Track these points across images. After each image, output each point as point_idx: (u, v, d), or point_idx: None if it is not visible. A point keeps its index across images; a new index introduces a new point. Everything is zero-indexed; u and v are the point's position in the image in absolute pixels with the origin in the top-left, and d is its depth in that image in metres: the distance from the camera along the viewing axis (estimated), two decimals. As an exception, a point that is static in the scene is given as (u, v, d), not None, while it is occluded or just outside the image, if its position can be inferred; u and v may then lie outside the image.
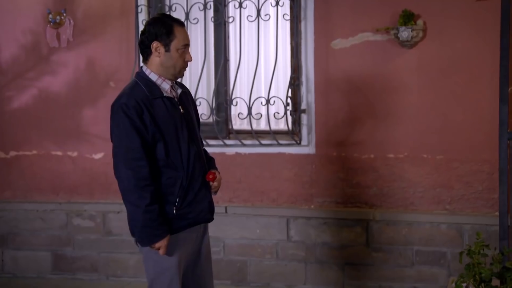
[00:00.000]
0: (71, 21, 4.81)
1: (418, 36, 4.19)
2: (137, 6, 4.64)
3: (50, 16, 4.80)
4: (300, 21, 4.45)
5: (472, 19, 4.14)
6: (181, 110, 2.90)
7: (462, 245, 4.19)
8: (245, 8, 4.50)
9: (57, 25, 4.81)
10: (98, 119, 4.85)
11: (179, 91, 2.96)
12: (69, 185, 4.96)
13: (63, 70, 4.89)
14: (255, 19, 4.47)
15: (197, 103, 4.52)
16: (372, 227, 4.41)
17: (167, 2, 4.65)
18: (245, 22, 4.54)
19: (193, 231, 2.95)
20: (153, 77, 2.87)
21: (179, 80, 3.09)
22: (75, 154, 4.94)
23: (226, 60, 4.66)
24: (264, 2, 4.46)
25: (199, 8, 4.57)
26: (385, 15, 4.27)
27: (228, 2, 4.57)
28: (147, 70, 2.88)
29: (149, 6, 4.69)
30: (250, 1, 4.48)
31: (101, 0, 4.78)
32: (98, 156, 4.90)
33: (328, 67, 4.45)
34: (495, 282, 2.69)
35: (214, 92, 4.60)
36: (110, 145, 4.79)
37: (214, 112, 4.59)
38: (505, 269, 2.54)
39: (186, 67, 2.92)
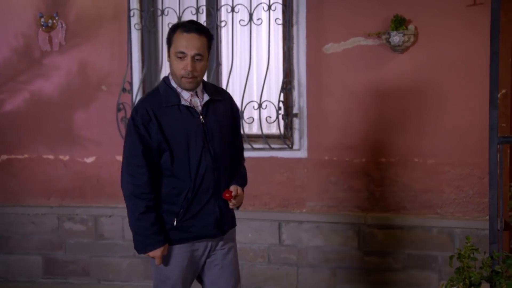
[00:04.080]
0: (63, 24, 4.81)
1: (410, 41, 4.21)
2: (129, 10, 4.64)
3: (42, 19, 4.80)
4: (292, 26, 4.47)
5: (463, 24, 4.16)
6: (201, 120, 2.81)
7: (453, 249, 4.20)
8: (238, 12, 4.51)
9: (49, 28, 4.81)
10: (90, 123, 4.85)
11: (206, 99, 2.85)
12: (60, 189, 4.95)
13: (55, 73, 4.88)
14: (248, 23, 4.49)
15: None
16: (364, 231, 4.42)
17: (160, 6, 4.66)
18: (237, 26, 4.55)
19: (198, 245, 2.88)
20: (174, 84, 2.83)
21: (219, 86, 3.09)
22: (67, 157, 4.93)
23: (219, 64, 4.67)
24: (257, 6, 4.47)
25: (191, 12, 4.58)
26: (376, 20, 4.29)
27: (221, 7, 4.59)
28: (170, 76, 2.85)
29: (141, 10, 4.69)
30: (243, 5, 4.50)
31: (93, 4, 4.78)
32: (90, 159, 4.89)
33: (320, 72, 4.46)
34: (485, 286, 2.70)
35: (206, 96, 4.59)
36: (101, 149, 4.85)
37: (206, 116, 4.58)
38: (494, 273, 2.56)
39: (188, 77, 2.75)
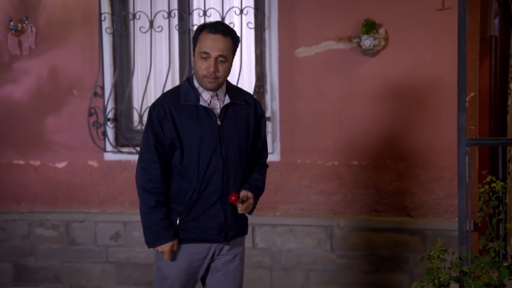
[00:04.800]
0: (33, 28, 4.76)
1: (380, 45, 4.25)
2: (100, 14, 4.61)
3: (11, 23, 4.73)
4: (264, 30, 4.48)
5: (432, 28, 4.22)
6: (218, 122, 2.79)
7: (425, 250, 4.24)
8: (210, 16, 4.51)
9: (19, 32, 4.74)
10: (61, 128, 4.80)
11: (226, 102, 2.82)
12: (31, 194, 4.88)
13: (25, 78, 4.82)
14: (220, 27, 4.48)
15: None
16: (337, 233, 4.45)
17: (131, 10, 4.63)
18: (209, 30, 4.54)
19: (199, 248, 2.84)
20: (196, 83, 2.83)
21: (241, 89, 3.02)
22: (38, 163, 4.87)
23: (191, 68, 4.66)
24: (229, 10, 4.48)
25: (163, 16, 4.56)
26: (347, 24, 4.33)
27: (193, 10, 4.58)
28: (193, 76, 2.85)
29: (112, 13, 4.66)
30: (215, 9, 4.50)
31: (64, 8, 4.73)
32: (61, 165, 4.84)
33: (292, 75, 4.48)
34: (454, 286, 2.74)
35: (178, 100, 4.58)
36: (73, 154, 4.81)
37: (179, 120, 4.57)
38: (463, 273, 2.59)
39: (211, 77, 2.73)
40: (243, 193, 2.82)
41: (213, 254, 2.89)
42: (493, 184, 2.88)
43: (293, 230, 4.52)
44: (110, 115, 4.70)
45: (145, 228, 2.83)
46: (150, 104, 4.57)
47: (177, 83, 4.70)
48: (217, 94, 2.82)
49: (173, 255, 2.83)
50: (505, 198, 4.27)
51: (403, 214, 4.38)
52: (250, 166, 2.95)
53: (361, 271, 4.42)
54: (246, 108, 2.90)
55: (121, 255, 4.75)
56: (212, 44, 2.71)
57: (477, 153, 4.27)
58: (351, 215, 4.44)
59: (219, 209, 2.81)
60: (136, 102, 4.72)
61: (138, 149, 4.60)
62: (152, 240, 2.81)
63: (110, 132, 4.72)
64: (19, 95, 4.85)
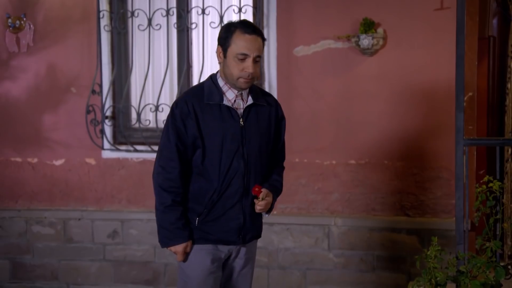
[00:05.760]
0: (31, 25, 4.75)
1: (379, 44, 4.25)
2: (98, 11, 4.61)
3: (9, 20, 4.73)
4: (262, 28, 4.47)
5: (431, 27, 4.22)
6: (241, 123, 2.74)
7: (422, 250, 4.24)
8: (208, 14, 4.51)
9: (17, 29, 4.74)
10: (59, 125, 4.80)
11: (249, 102, 2.77)
12: (28, 192, 4.88)
13: (23, 75, 4.82)
14: (218, 25, 4.48)
15: (160, 109, 4.54)
16: (334, 232, 4.45)
17: (130, 8, 4.63)
18: (208, 28, 4.54)
19: (218, 249, 2.80)
20: (220, 82, 2.77)
21: (262, 89, 2.95)
22: (35, 160, 4.86)
23: (189, 66, 4.66)
24: (227, 9, 4.47)
25: (161, 14, 4.56)
26: (346, 23, 4.32)
27: (191, 8, 4.57)
28: (218, 74, 2.80)
29: (111, 11, 4.66)
30: (213, 7, 4.49)
31: (62, 5, 4.72)
32: (58, 162, 4.83)
33: (290, 74, 4.48)
34: (451, 286, 2.74)
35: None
36: (71, 152, 4.80)
37: (177, 118, 4.57)
38: (459, 273, 2.60)
39: (247, 78, 2.69)
40: (263, 191, 2.77)
41: (229, 256, 2.85)
42: (491, 184, 2.88)
43: (290, 229, 4.52)
44: (108, 113, 4.70)
45: (159, 227, 2.76)
46: (148, 102, 4.65)
47: (175, 81, 4.70)
48: (241, 94, 2.77)
49: (195, 256, 2.77)
50: (502, 198, 4.29)
51: (400, 213, 4.38)
52: (270, 168, 2.91)
53: (358, 270, 4.42)
54: (268, 109, 2.85)
55: (118, 253, 4.75)
56: (251, 45, 2.65)
57: (475, 153, 4.28)
58: (348, 214, 4.45)
59: (239, 211, 2.77)
60: (134, 100, 4.72)
61: (136, 147, 4.64)
62: (166, 239, 2.75)
63: (108, 130, 4.71)
64: (17, 92, 4.85)
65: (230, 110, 2.73)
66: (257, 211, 2.80)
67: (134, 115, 4.69)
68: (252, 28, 2.69)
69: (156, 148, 4.59)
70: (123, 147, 4.72)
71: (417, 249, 4.29)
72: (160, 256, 4.68)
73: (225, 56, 2.70)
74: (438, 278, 2.59)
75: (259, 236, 2.95)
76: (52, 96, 4.81)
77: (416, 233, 4.33)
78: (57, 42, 4.76)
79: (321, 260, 4.47)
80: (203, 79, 4.52)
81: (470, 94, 4.22)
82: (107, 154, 4.75)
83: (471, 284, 2.52)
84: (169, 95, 4.71)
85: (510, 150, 4.65)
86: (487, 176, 2.94)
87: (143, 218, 4.69)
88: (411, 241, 4.35)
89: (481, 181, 2.97)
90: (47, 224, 4.85)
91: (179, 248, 2.73)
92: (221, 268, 2.85)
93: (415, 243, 4.33)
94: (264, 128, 2.82)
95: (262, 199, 2.76)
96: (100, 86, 4.67)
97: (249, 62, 2.66)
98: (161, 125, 4.55)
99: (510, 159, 4.67)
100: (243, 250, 2.87)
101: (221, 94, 2.74)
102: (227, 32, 2.69)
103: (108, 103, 4.68)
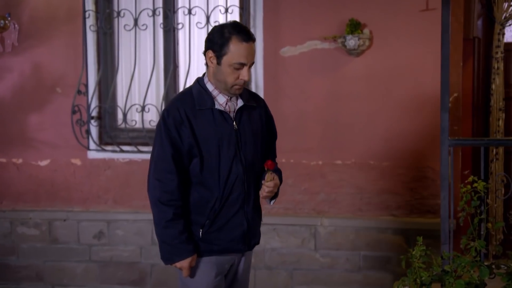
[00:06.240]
0: (16, 25, 4.71)
1: (365, 45, 4.27)
2: (84, 11, 4.58)
3: (-6, 20, 4.70)
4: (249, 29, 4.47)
5: (416, 28, 4.24)
6: (235, 126, 2.66)
7: (408, 250, 4.26)
8: (194, 15, 4.50)
9: (1, 29, 4.69)
10: (44, 125, 4.77)
11: (240, 104, 2.68)
12: (13, 193, 4.84)
13: (7, 75, 4.78)
14: (205, 26, 4.47)
15: (146, 109, 4.53)
16: (320, 232, 4.46)
17: (116, 8, 4.61)
18: (194, 29, 4.54)
19: (223, 260, 2.70)
20: (210, 87, 2.66)
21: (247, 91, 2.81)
22: (20, 161, 4.83)
23: (175, 67, 4.65)
24: (214, 9, 4.47)
25: (148, 14, 4.55)
26: (332, 24, 4.34)
27: (177, 9, 4.56)
28: (205, 78, 2.69)
29: (97, 11, 4.63)
30: (200, 8, 4.49)
31: (48, 5, 4.69)
32: (44, 163, 4.80)
33: (277, 74, 4.49)
34: (436, 285, 2.75)
35: (163, 98, 4.57)
36: (56, 152, 4.77)
37: (163, 118, 4.56)
38: (444, 272, 2.61)
39: (241, 85, 2.62)
40: (272, 175, 2.67)
41: (232, 265, 2.76)
42: (475, 184, 2.90)
43: (277, 229, 4.52)
44: (94, 113, 4.68)
45: (161, 243, 2.62)
46: (134, 102, 4.63)
47: (161, 81, 4.69)
48: (230, 97, 2.68)
49: (199, 270, 2.67)
50: (487, 198, 4.33)
51: (386, 213, 4.40)
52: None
53: (344, 270, 4.43)
54: (258, 111, 2.79)
55: (104, 254, 4.73)
56: (248, 54, 2.56)
57: (460, 154, 4.30)
58: (334, 215, 4.46)
59: (242, 217, 2.68)
60: (120, 100, 4.70)
61: (122, 147, 4.62)
62: (169, 255, 2.62)
63: (94, 130, 4.69)
64: (2, 92, 4.81)
65: (223, 114, 2.64)
66: (263, 195, 2.69)
67: (120, 116, 4.68)
68: (248, 35, 2.58)
69: (142, 148, 4.59)
70: (109, 148, 4.70)
71: (403, 249, 4.31)
72: (147, 257, 4.66)
73: (218, 63, 2.59)
74: (423, 278, 2.60)
75: (259, 241, 2.89)
76: (37, 96, 4.78)
77: (402, 233, 4.35)
78: (43, 42, 4.73)
79: (307, 260, 4.48)
80: (189, 79, 4.55)
81: (455, 94, 4.25)
82: (93, 154, 4.72)
83: (456, 284, 2.53)
84: (156, 96, 4.70)
85: (495, 150, 4.69)
86: (472, 176, 2.96)
87: (129, 219, 4.68)
88: (397, 241, 4.37)
89: (466, 181, 2.99)
90: (32, 225, 4.82)
91: (185, 263, 2.61)
92: (223, 278, 2.76)
93: (401, 243, 4.35)
94: (257, 129, 2.76)
95: (271, 180, 2.65)
96: (86, 86, 4.65)
97: (245, 70, 2.58)
98: (148, 125, 4.55)
99: (495, 159, 4.71)
100: (243, 258, 2.80)
101: (211, 98, 2.64)
102: (222, 39, 2.56)
103: (94, 103, 4.66)
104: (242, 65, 2.56)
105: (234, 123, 2.66)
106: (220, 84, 2.63)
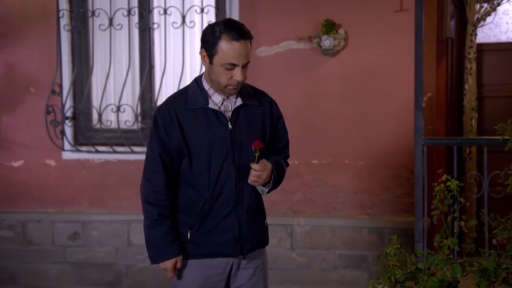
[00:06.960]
0: (-12, 24, 4.66)
1: (340, 45, 4.30)
2: (58, 11, 4.54)
3: (-34, 19, 4.63)
4: (225, 29, 4.47)
5: (391, 29, 4.28)
6: (229, 126, 2.56)
7: (383, 248, 4.31)
8: (170, 14, 4.49)
9: (-26, 28, 4.64)
10: (18, 126, 4.72)
11: (238, 103, 2.57)
12: (-14, 194, 4.79)
13: (-20, 75, 4.72)
14: (180, 26, 4.46)
15: (121, 109, 4.50)
16: (297, 232, 4.48)
17: (90, 7, 4.57)
18: (170, 28, 4.52)
19: (215, 263, 2.60)
20: (205, 85, 2.58)
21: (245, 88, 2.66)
22: (-7, 162, 4.77)
23: (151, 67, 4.63)
24: (189, 9, 4.46)
25: (123, 14, 4.52)
26: (308, 24, 4.36)
27: (153, 8, 4.54)
28: (202, 77, 2.61)
29: (71, 10, 4.59)
30: (175, 7, 4.47)
31: (21, 4, 4.64)
32: (17, 163, 4.74)
33: (253, 74, 4.46)
34: (410, 283, 2.79)
35: (139, 98, 4.55)
36: (30, 153, 4.72)
37: (139, 118, 4.54)
38: (418, 270, 2.64)
39: (236, 85, 2.50)
40: (263, 161, 2.56)
41: (231, 268, 2.64)
42: (449, 183, 2.93)
43: (254, 229, 4.52)
44: (69, 114, 4.64)
45: (147, 243, 2.60)
46: (109, 102, 4.60)
47: (137, 81, 4.66)
48: (228, 96, 2.59)
49: (187, 272, 2.61)
50: (460, 196, 4.38)
51: (362, 212, 4.44)
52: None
53: (320, 269, 4.46)
54: (261, 110, 2.66)
55: (80, 255, 4.69)
56: (239, 53, 2.44)
57: (434, 153, 4.36)
58: (311, 214, 4.48)
59: (233, 221, 2.57)
60: (95, 101, 4.66)
61: (98, 148, 4.59)
62: (155, 256, 2.58)
63: (69, 131, 4.65)
64: (-26, 92, 4.75)
65: (217, 113, 2.55)
66: (250, 179, 2.55)
67: (95, 116, 4.64)
68: (239, 33, 2.44)
69: (118, 149, 4.57)
70: (84, 148, 4.66)
71: (378, 247, 4.35)
72: (122, 258, 4.63)
73: (211, 62, 2.50)
74: (397, 276, 2.63)
75: (263, 245, 2.73)
76: (10, 96, 4.72)
77: (377, 231, 4.39)
78: (16, 41, 4.67)
79: (284, 259, 4.49)
80: (165, 79, 4.54)
81: (429, 94, 4.30)
82: (67, 155, 4.68)
83: (429, 281, 2.56)
84: (131, 96, 4.67)
85: (468, 149, 4.76)
86: (446, 175, 3.00)
87: (104, 220, 4.64)
88: (372, 240, 4.40)
89: (440, 180, 3.02)
90: (6, 227, 4.75)
91: (169, 264, 2.57)
92: (221, 283, 2.65)
93: (377, 241, 4.39)
94: (257, 130, 2.62)
95: (255, 170, 2.52)
96: (60, 86, 4.60)
97: (237, 70, 2.46)
98: (123, 125, 4.53)
99: (468, 159, 4.78)
100: (244, 261, 2.65)
101: (206, 97, 2.55)
102: (212, 37, 2.46)
103: (68, 104, 4.62)
104: (234, 65, 2.46)
105: (229, 123, 2.56)
106: (214, 84, 2.56)
